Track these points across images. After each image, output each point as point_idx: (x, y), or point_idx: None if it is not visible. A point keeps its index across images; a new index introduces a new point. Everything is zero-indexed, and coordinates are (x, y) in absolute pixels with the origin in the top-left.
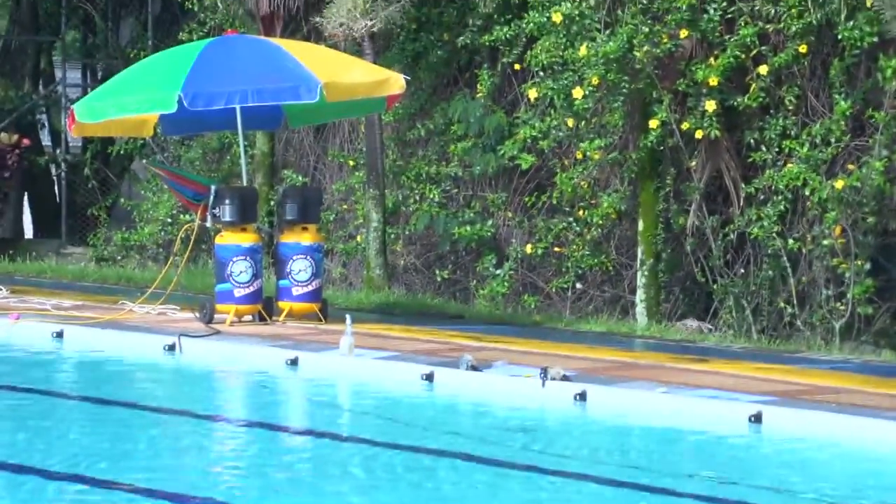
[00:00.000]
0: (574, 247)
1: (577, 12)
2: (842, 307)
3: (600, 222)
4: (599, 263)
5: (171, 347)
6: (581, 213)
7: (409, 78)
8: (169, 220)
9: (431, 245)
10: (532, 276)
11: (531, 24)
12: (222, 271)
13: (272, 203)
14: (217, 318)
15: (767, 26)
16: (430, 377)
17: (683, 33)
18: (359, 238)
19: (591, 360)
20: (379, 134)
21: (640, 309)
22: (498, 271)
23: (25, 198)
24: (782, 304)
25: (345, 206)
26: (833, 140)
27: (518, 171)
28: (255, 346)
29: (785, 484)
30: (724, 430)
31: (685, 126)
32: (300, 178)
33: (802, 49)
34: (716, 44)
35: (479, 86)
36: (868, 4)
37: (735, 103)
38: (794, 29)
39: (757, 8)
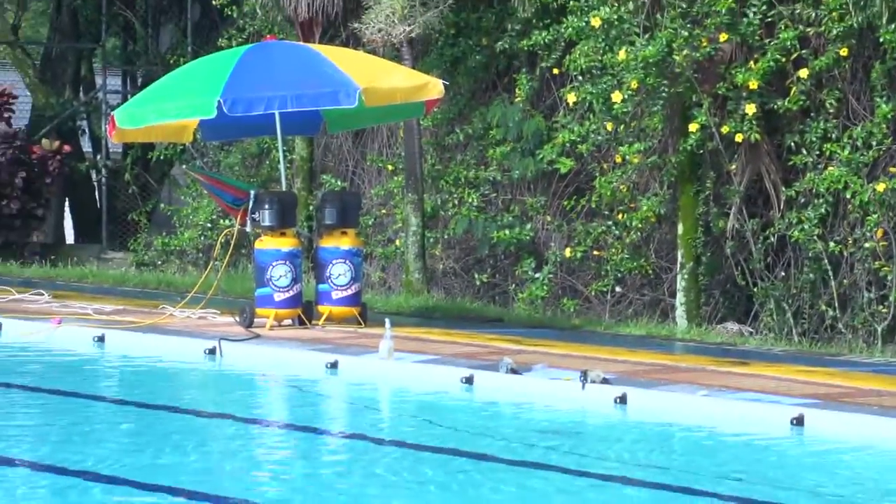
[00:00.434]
0: (613, 250)
1: (616, 17)
2: (884, 310)
3: (640, 226)
4: (639, 267)
5: (212, 351)
6: (620, 216)
7: (447, 83)
8: (209, 224)
9: (470, 249)
10: (571, 280)
11: (570, 29)
12: (262, 276)
13: (311, 208)
14: (257, 323)
15: (808, 30)
16: (469, 380)
17: (723, 37)
18: (398, 242)
19: (630, 363)
20: (418, 138)
21: (680, 312)
22: (537, 275)
23: (66, 204)
24: (823, 307)
25: (383, 211)
26: (874, 143)
27: (557, 175)
28: (295, 349)
29: (827, 488)
30: (766, 433)
31: (725, 129)
32: (339, 182)
33: (843, 52)
34: (756, 47)
35: (517, 90)
36: None
37: (775, 106)
38: (834, 32)
39: (797, 11)
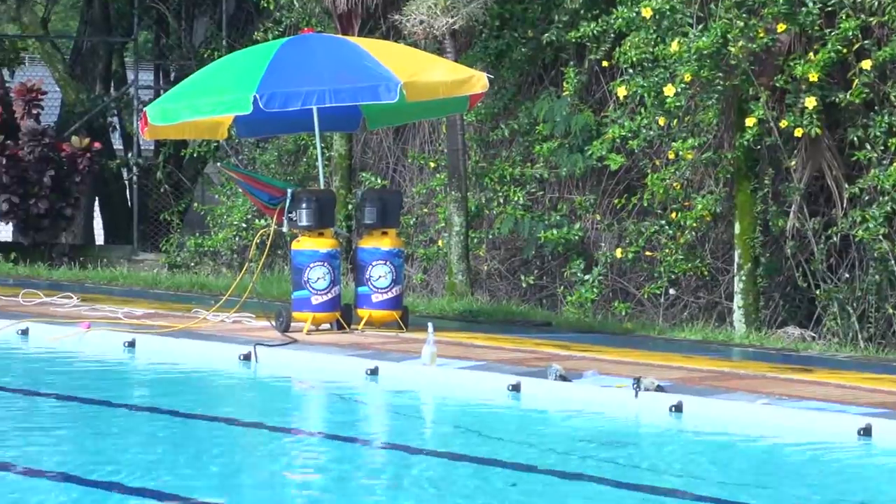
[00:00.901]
0: (667, 251)
1: (668, 7)
2: None
3: (694, 225)
4: (694, 268)
5: (247, 357)
6: (674, 215)
7: (492, 76)
8: (244, 225)
9: (516, 249)
10: (622, 282)
11: (620, 20)
12: (299, 278)
13: (350, 207)
14: (294, 327)
15: (870, 19)
16: (516, 388)
17: (781, 27)
18: (440, 243)
19: (686, 370)
20: (461, 134)
21: (738, 316)
22: (587, 277)
23: (96, 203)
24: (891, 311)
25: (425, 210)
26: None
27: (607, 172)
28: (334, 355)
29: None
30: (831, 444)
31: (784, 124)
32: (379, 180)
33: None
34: (815, 38)
35: (565, 84)
36: None
37: (836, 99)
38: None
39: (859, 0)
